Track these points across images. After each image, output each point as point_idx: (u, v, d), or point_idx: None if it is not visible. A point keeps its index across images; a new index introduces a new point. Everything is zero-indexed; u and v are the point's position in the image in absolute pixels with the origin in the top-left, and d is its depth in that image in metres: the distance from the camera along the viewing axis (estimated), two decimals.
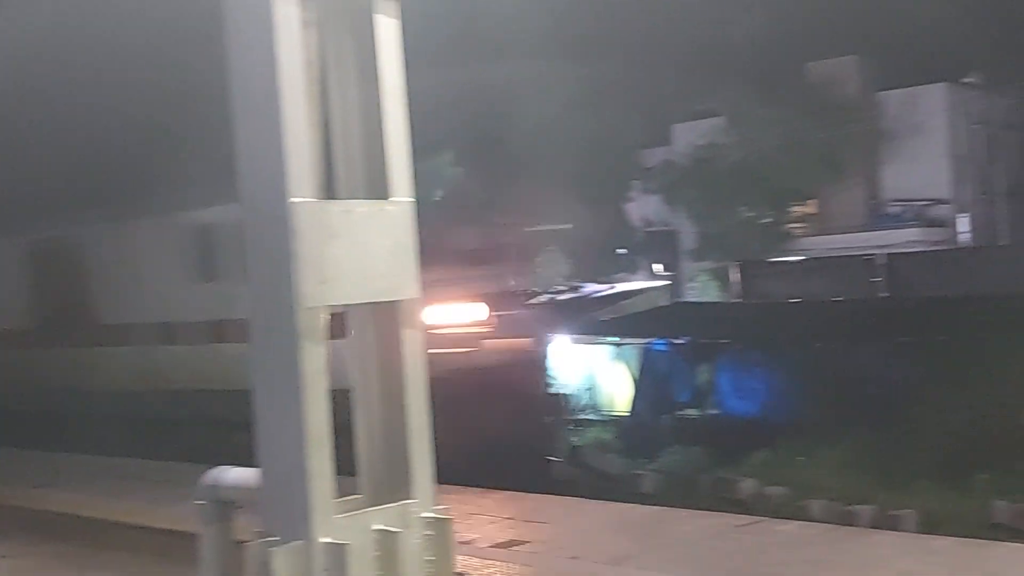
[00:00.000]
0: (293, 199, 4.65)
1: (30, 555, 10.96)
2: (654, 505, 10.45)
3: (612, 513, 10.36)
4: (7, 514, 12.47)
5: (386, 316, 5.07)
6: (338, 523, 4.72)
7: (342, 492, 4.90)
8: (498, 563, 8.74)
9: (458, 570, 5.09)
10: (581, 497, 11.00)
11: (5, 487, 13.54)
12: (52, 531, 11.68)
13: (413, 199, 5.07)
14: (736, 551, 8.76)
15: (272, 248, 4.74)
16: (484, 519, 10.32)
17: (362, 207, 4.94)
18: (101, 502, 12.25)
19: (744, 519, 9.71)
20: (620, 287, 23.12)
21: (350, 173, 5.11)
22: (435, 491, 5.08)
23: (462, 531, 9.42)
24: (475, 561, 8.75)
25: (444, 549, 5.00)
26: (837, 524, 9.32)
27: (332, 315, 4.82)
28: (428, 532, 4.98)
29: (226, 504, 5.34)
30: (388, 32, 5.03)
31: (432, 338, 7.36)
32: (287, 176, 4.66)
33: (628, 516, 10.23)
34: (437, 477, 5.11)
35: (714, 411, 18.04)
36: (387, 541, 4.82)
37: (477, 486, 11.30)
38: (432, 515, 5.02)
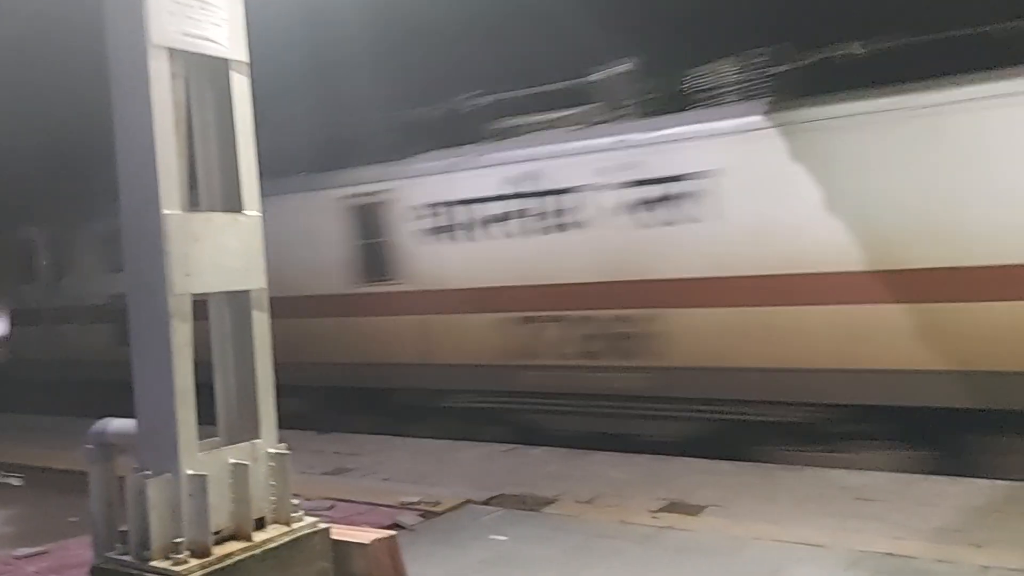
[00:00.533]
0: (165, 211, 4.40)
1: None
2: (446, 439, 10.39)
3: (415, 446, 10.29)
4: None
5: (239, 301, 4.85)
6: (200, 459, 4.50)
7: (205, 436, 4.66)
8: (332, 486, 8.54)
9: (295, 492, 4.90)
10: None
11: None
12: None
13: (261, 212, 4.86)
14: (501, 468, 8.90)
15: (148, 249, 4.47)
16: (318, 453, 10.06)
17: (220, 217, 4.72)
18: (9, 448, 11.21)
19: (506, 446, 9.83)
20: None
21: (211, 191, 4.88)
22: (277, 433, 4.90)
23: (303, 464, 9.22)
24: (316, 484, 8.51)
25: (283, 476, 4.84)
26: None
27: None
28: (271, 464, 4.81)
29: (109, 447, 4.97)
30: (240, 84, 4.82)
31: None
32: (160, 193, 4.41)
33: (427, 447, 10.18)
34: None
35: None
36: (239, 472, 4.63)
37: None
38: (275, 451, 4.84)
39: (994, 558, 5.62)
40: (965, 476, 7.36)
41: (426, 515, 7.43)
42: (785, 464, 8.34)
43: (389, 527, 7.13)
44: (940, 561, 5.64)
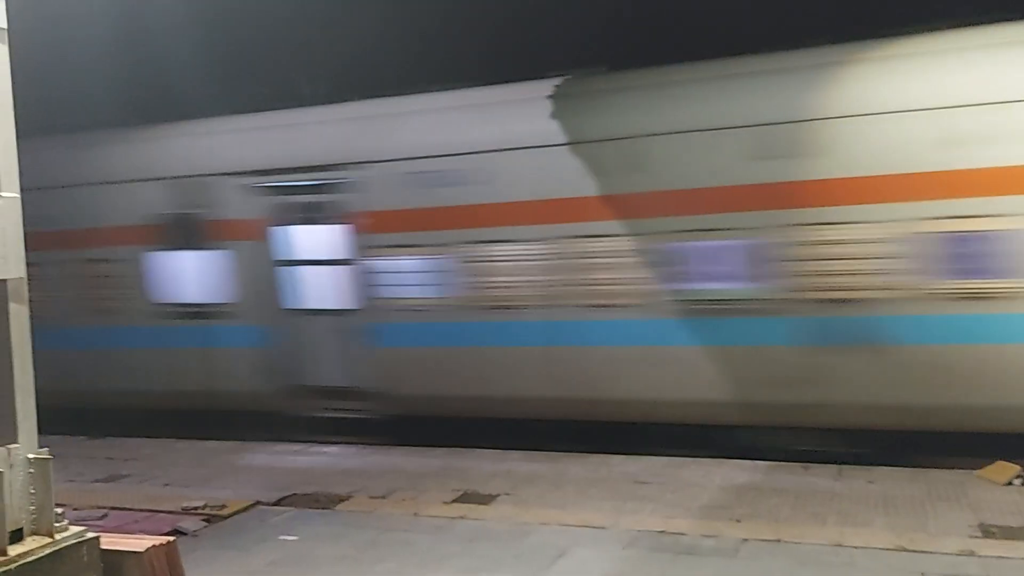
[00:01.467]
0: None
1: None
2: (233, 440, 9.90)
3: (200, 448, 9.73)
4: None
5: None
6: None
7: None
8: (105, 494, 7.88)
9: (61, 502, 4.48)
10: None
11: None
12: None
13: (18, 194, 4.38)
14: (293, 468, 8.63)
15: None
16: (88, 459, 9.26)
17: None
18: None
19: (299, 445, 9.55)
20: None
21: None
22: (37, 437, 4.45)
23: (71, 472, 8.46)
24: (86, 493, 7.82)
25: (45, 483, 4.40)
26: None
27: None
28: (31, 471, 4.35)
29: None
30: None
31: None
32: None
33: (212, 448, 9.66)
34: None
35: None
36: None
37: None
38: (35, 456, 4.39)
39: (751, 531, 6.18)
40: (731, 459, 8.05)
41: (211, 519, 7.04)
42: (573, 453, 8.71)
43: (169, 534, 6.72)
44: (705, 536, 6.13)
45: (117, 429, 10.47)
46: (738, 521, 6.41)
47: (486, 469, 8.18)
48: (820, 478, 7.36)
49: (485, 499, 7.27)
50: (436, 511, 7.02)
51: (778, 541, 5.96)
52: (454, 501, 7.24)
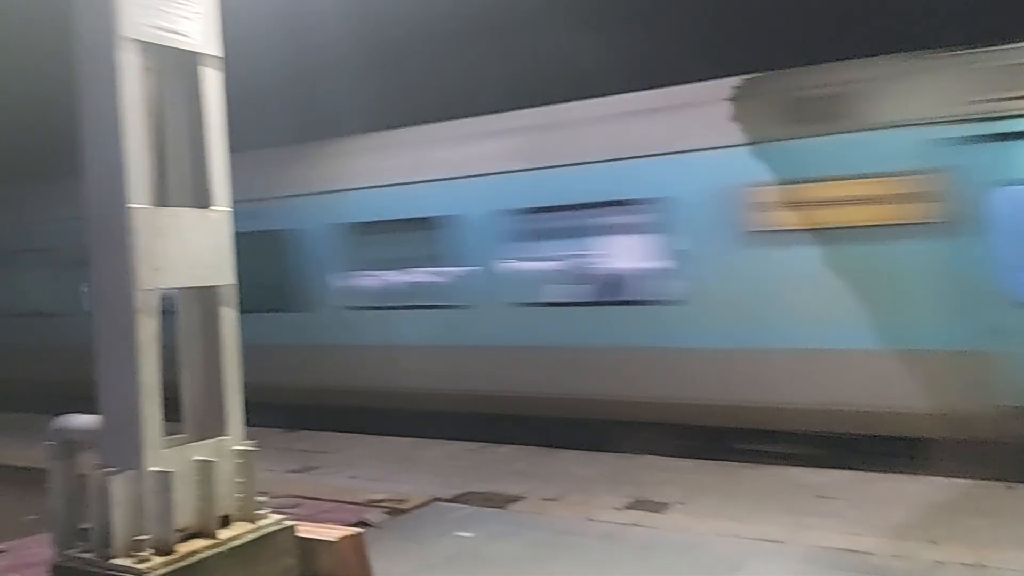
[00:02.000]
0: (131, 205, 4.31)
1: None
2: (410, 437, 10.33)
3: (382, 444, 10.22)
4: None
5: (208, 297, 4.78)
6: (165, 455, 4.41)
7: (171, 433, 4.59)
8: (298, 484, 8.45)
9: (261, 490, 4.84)
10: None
11: None
12: None
13: (230, 208, 4.79)
14: (469, 466, 8.88)
15: (114, 243, 4.38)
16: (285, 451, 9.96)
17: (189, 213, 4.64)
18: None
19: (473, 444, 9.81)
20: None
21: (181, 186, 4.78)
22: (244, 430, 4.83)
23: (269, 462, 9.12)
24: (282, 482, 8.41)
25: (249, 473, 4.78)
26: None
27: None
28: (238, 461, 4.74)
29: (71, 444, 4.86)
30: (213, 81, 4.74)
31: None
32: (126, 187, 4.32)
33: (393, 445, 10.12)
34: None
35: None
36: (204, 469, 4.56)
37: None
38: (241, 447, 4.77)
39: (949, 554, 5.72)
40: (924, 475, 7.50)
41: (392, 512, 7.38)
42: (747, 463, 8.43)
43: (355, 525, 7.10)
44: (896, 556, 5.73)
45: (312, 423, 11.21)
46: (933, 542, 5.95)
47: (657, 476, 8.06)
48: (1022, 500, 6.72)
49: (657, 507, 7.17)
50: (608, 516, 7.00)
51: (981, 566, 5.48)
52: (626, 507, 7.19)
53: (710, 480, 7.86)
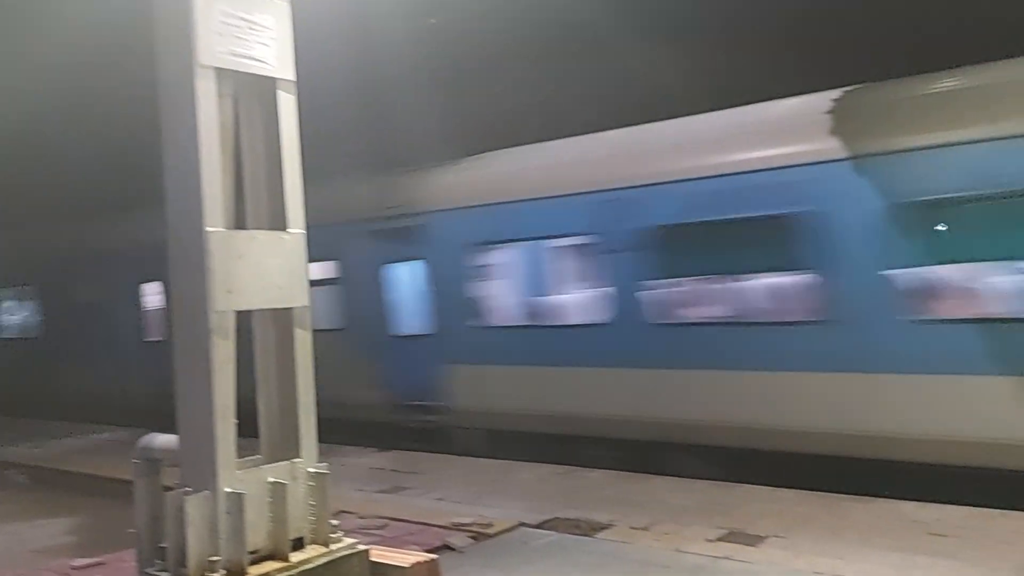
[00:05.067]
0: (208, 228, 4.35)
1: (13, 502, 10.19)
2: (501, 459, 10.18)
3: (471, 465, 10.11)
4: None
5: (282, 319, 4.78)
6: (239, 477, 4.41)
7: (248, 453, 4.59)
8: (386, 505, 8.44)
9: (348, 509, 4.79)
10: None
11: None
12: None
13: (304, 231, 4.79)
14: (557, 491, 8.65)
15: (191, 265, 4.43)
16: (376, 471, 9.99)
17: (264, 235, 4.67)
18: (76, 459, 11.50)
19: (563, 468, 9.56)
20: None
21: (257, 210, 4.82)
22: (318, 452, 4.80)
23: (360, 481, 9.20)
24: (370, 502, 8.43)
25: (322, 496, 4.73)
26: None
27: None
28: (311, 483, 4.70)
29: (154, 462, 4.94)
30: (287, 104, 4.78)
31: None
32: (204, 211, 4.36)
33: (483, 467, 9.99)
34: None
35: None
36: (277, 490, 4.54)
37: None
38: (314, 470, 4.73)
39: None
40: None
41: (477, 537, 7.23)
42: (853, 495, 7.85)
43: (439, 548, 6.98)
44: None
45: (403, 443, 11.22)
46: None
47: (754, 507, 7.60)
48: None
49: (752, 540, 6.73)
50: (699, 548, 6.62)
51: None
52: (719, 539, 6.79)
53: (813, 512, 7.35)
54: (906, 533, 6.63)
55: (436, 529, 7.44)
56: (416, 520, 7.77)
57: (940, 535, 6.51)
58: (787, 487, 8.10)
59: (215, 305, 4.35)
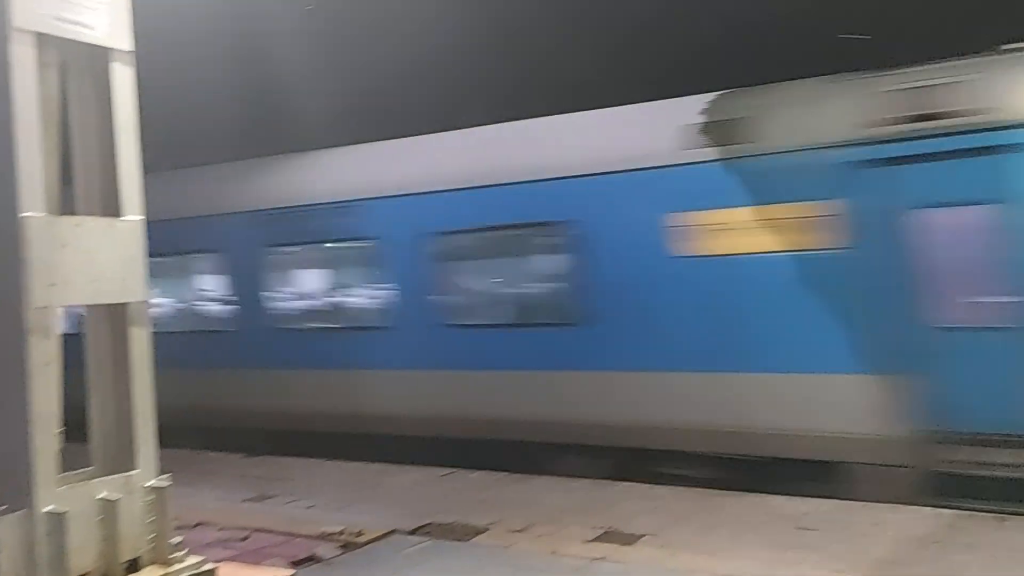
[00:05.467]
0: (24, 214, 3.84)
1: None
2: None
3: (348, 470, 9.68)
4: None
5: (117, 315, 4.30)
6: (61, 494, 3.92)
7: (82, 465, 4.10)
8: (250, 514, 7.93)
9: (207, 521, 4.35)
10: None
11: None
12: None
13: (142, 217, 4.32)
14: (435, 494, 8.36)
15: (5, 255, 3.89)
16: (242, 477, 9.42)
17: (94, 222, 4.18)
18: None
19: (445, 470, 9.28)
20: None
21: (88, 194, 4.32)
22: (158, 463, 4.34)
23: (223, 490, 8.63)
24: (233, 512, 7.89)
25: (163, 511, 4.28)
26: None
27: None
28: (149, 498, 4.24)
29: None
30: (123, 77, 4.29)
31: None
32: (18, 194, 3.84)
33: (360, 471, 9.58)
34: None
35: None
36: (108, 507, 4.05)
37: None
38: (153, 483, 4.28)
39: None
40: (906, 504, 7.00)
41: (347, 546, 6.85)
42: (726, 490, 7.92)
43: (305, 560, 6.58)
44: None
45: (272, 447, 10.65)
46: None
47: (631, 505, 7.55)
48: (1018, 532, 6.22)
49: (629, 539, 6.65)
50: (576, 550, 6.48)
51: None
52: (595, 539, 6.67)
53: (688, 509, 7.35)
54: (776, 528, 6.70)
55: (302, 539, 7.02)
56: (281, 530, 7.31)
57: (808, 529, 6.61)
58: (665, 484, 8.12)
59: (34, 300, 3.85)
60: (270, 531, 7.29)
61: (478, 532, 7.08)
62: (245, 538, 7.09)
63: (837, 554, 6.02)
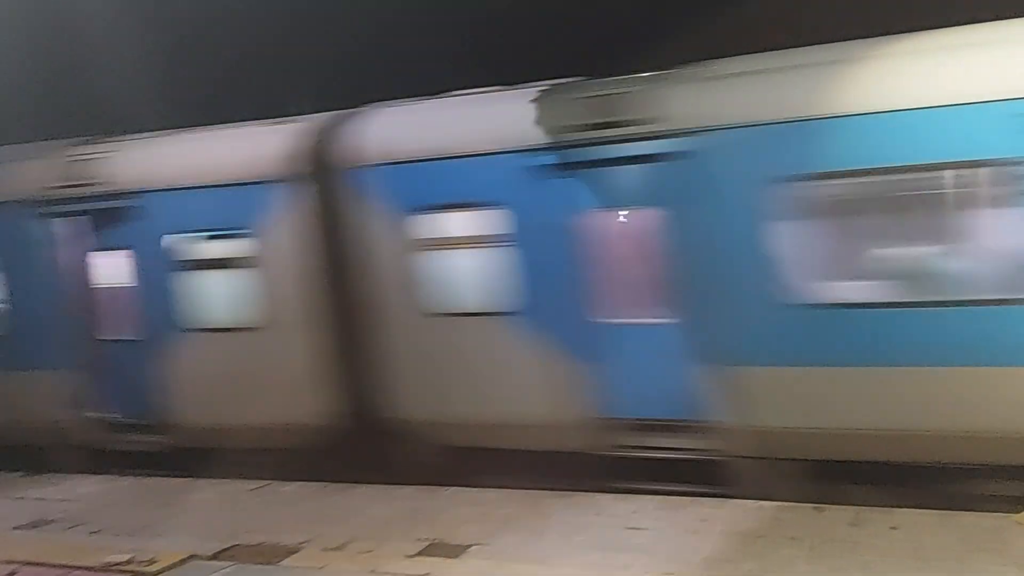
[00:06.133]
0: None
1: None
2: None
3: (144, 487, 8.67)
4: None
5: None
6: None
7: None
8: (22, 544, 6.86)
9: None
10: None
11: None
12: None
13: None
14: (243, 511, 7.60)
15: None
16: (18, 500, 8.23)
17: None
18: None
19: (255, 483, 8.50)
20: None
21: None
22: None
23: None
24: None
25: None
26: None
27: None
28: None
29: None
30: None
31: None
32: None
33: (158, 488, 8.61)
34: None
35: None
36: None
37: None
38: None
39: None
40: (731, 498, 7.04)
41: None
42: (556, 491, 7.69)
43: None
44: None
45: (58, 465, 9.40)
46: None
47: (458, 512, 7.16)
48: (836, 523, 6.37)
49: (455, 550, 6.26)
50: (398, 566, 6.03)
51: None
52: (418, 554, 6.24)
53: (516, 513, 7.04)
54: (605, 528, 6.54)
55: (81, 572, 6.13)
56: (57, 563, 6.38)
57: (637, 528, 6.48)
58: (492, 487, 7.78)
59: None
60: (42, 564, 6.34)
61: (289, 552, 6.47)
62: (11, 574, 6.08)
63: (667, 554, 5.92)
